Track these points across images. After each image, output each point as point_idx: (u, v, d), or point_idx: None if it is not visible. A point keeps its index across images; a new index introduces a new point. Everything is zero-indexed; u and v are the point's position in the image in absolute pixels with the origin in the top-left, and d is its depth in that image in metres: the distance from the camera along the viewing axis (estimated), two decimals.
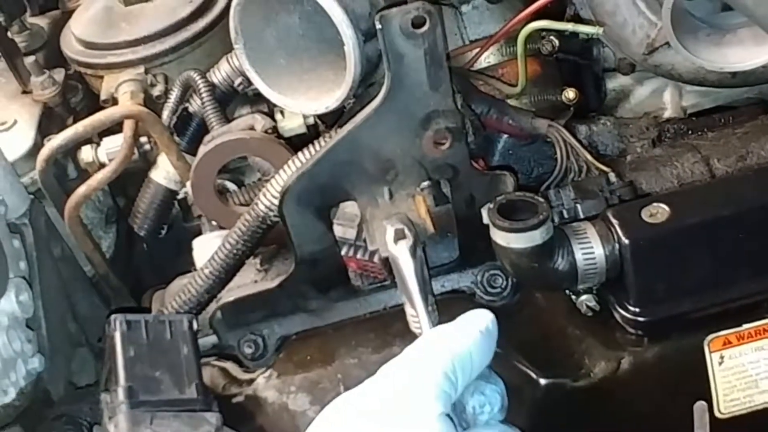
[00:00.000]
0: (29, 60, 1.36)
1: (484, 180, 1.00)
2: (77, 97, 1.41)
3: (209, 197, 1.15)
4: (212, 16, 1.36)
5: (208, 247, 1.12)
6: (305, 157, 1.02)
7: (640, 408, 0.98)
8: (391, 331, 1.03)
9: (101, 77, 1.35)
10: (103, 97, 1.31)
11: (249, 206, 1.07)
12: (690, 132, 1.18)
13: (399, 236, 0.90)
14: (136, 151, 1.25)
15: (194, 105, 1.23)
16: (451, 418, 0.74)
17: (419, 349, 0.78)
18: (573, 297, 1.00)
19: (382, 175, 0.97)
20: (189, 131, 1.24)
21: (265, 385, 1.03)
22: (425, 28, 0.87)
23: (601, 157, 1.14)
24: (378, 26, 0.87)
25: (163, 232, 1.33)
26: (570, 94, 1.22)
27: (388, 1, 1.00)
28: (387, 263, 1.03)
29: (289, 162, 1.03)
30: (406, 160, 0.96)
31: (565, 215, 1.03)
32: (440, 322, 0.84)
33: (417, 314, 0.87)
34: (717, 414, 0.97)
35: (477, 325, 0.79)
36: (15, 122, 1.33)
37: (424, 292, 0.87)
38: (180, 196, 1.30)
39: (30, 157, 1.26)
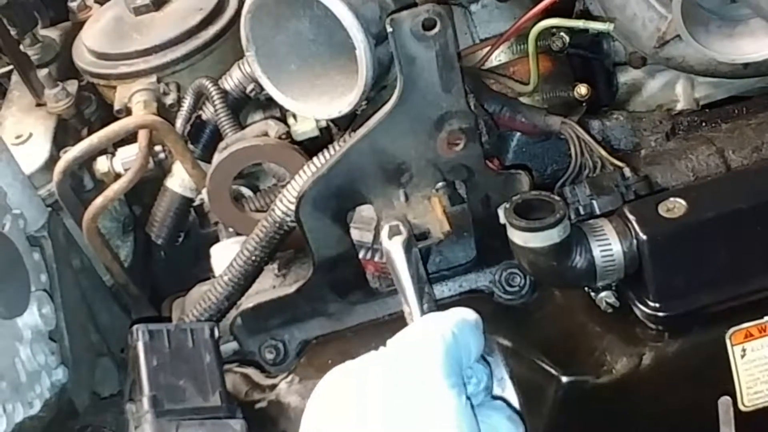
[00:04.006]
0: (42, 72, 1.37)
1: (499, 180, 1.00)
2: (91, 108, 1.42)
3: (225, 204, 1.16)
4: (222, 23, 1.36)
5: (226, 254, 1.12)
6: (320, 162, 1.02)
7: (663, 403, 0.98)
8: None
9: (114, 88, 1.36)
10: (116, 107, 1.32)
11: (265, 212, 1.07)
12: (704, 124, 1.18)
13: (394, 232, 0.90)
14: (151, 160, 1.25)
15: (207, 112, 1.24)
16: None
17: (421, 327, 0.79)
18: (592, 294, 1.00)
19: (397, 178, 0.97)
20: (203, 139, 1.25)
21: (287, 390, 1.04)
22: (436, 30, 0.87)
23: (615, 151, 1.14)
24: (389, 29, 0.87)
25: (180, 239, 1.34)
26: (582, 90, 1.22)
27: (398, 3, 1.00)
28: None
29: (305, 167, 1.03)
30: (420, 162, 0.96)
31: (582, 212, 1.03)
32: None
33: (410, 309, 0.87)
34: (741, 407, 0.97)
35: (466, 314, 0.80)
36: (30, 135, 1.34)
37: (418, 288, 0.87)
38: (196, 203, 1.31)
39: (46, 170, 1.27)
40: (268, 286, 1.12)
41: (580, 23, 1.19)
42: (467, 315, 0.80)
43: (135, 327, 0.96)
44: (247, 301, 1.07)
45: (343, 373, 0.78)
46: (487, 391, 0.80)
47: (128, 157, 1.27)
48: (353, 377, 0.77)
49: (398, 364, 0.75)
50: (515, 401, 0.86)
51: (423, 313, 0.86)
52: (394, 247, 0.89)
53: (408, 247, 0.89)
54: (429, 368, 0.74)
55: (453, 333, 0.76)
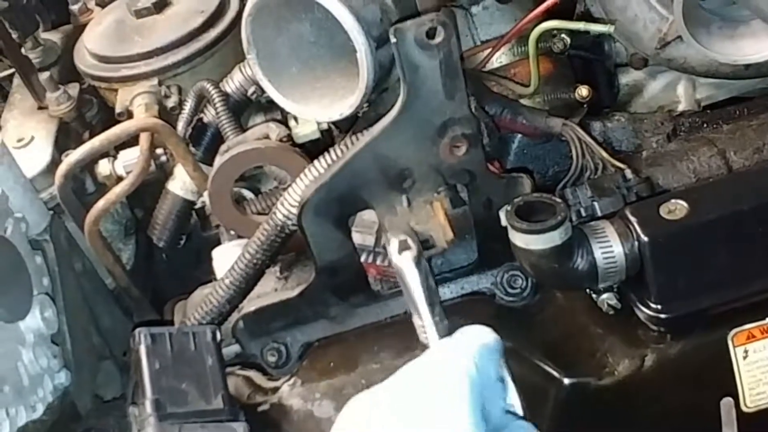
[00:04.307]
0: (44, 76, 1.37)
1: (500, 183, 1.00)
2: (92, 111, 1.42)
3: (227, 207, 1.16)
4: (223, 25, 1.37)
5: (227, 257, 1.12)
6: (322, 166, 1.02)
7: (665, 405, 0.98)
8: (412, 335, 1.04)
9: (115, 90, 1.36)
10: (118, 110, 1.32)
11: (267, 215, 1.07)
12: (705, 125, 1.18)
13: (403, 247, 0.90)
14: (152, 163, 1.26)
15: (209, 115, 1.24)
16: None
17: (444, 363, 0.76)
18: (594, 295, 1.00)
19: (400, 184, 0.97)
20: (204, 141, 1.25)
21: (289, 392, 1.04)
22: (440, 38, 0.87)
23: (616, 153, 1.14)
24: (393, 39, 0.87)
25: (182, 242, 1.34)
26: (583, 91, 1.22)
27: (399, 6, 1.00)
28: None
29: (306, 171, 1.03)
30: (423, 168, 0.96)
31: (583, 214, 1.03)
32: (460, 325, 0.84)
33: (424, 324, 0.86)
34: (743, 408, 0.97)
35: (486, 338, 0.78)
36: (32, 139, 1.34)
37: (430, 302, 0.87)
38: (197, 206, 1.31)
39: (48, 173, 1.27)
40: (270, 289, 1.12)
41: (580, 25, 1.19)
42: (487, 339, 0.77)
43: (137, 330, 0.96)
44: (249, 305, 1.07)
45: (363, 404, 0.76)
46: (503, 411, 0.79)
47: (130, 160, 1.27)
48: (373, 412, 0.74)
49: (420, 400, 0.73)
50: (518, 403, 0.86)
51: (437, 327, 0.85)
52: (405, 263, 0.89)
53: (418, 261, 0.89)
54: (454, 408, 0.71)
55: (476, 365, 0.74)
